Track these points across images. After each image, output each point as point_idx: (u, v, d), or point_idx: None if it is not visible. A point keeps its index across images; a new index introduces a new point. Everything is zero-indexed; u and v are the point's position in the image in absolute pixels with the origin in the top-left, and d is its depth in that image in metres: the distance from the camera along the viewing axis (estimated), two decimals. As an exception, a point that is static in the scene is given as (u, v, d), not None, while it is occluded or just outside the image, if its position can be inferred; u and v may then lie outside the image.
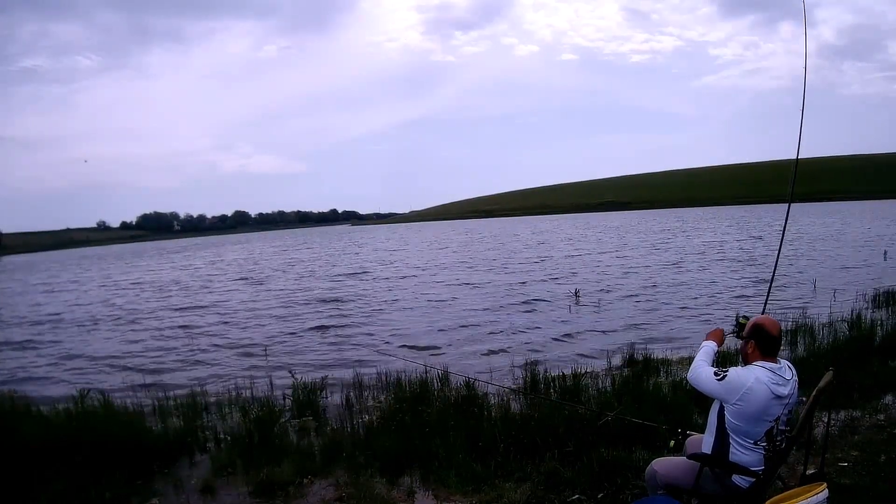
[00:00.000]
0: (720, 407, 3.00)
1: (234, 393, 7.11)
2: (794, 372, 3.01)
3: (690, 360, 7.62)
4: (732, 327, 3.37)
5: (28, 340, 14.20)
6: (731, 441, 2.96)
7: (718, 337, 3.35)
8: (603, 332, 10.82)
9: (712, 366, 3.15)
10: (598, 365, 7.69)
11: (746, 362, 3.04)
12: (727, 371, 2.99)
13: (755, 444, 2.91)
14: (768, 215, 58.13)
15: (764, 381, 2.88)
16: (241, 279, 26.78)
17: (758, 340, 3.02)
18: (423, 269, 25.80)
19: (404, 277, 22.85)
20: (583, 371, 6.78)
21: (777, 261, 4.47)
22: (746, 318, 3.28)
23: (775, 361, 2.99)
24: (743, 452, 2.94)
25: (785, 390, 2.90)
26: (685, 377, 6.53)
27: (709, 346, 3.28)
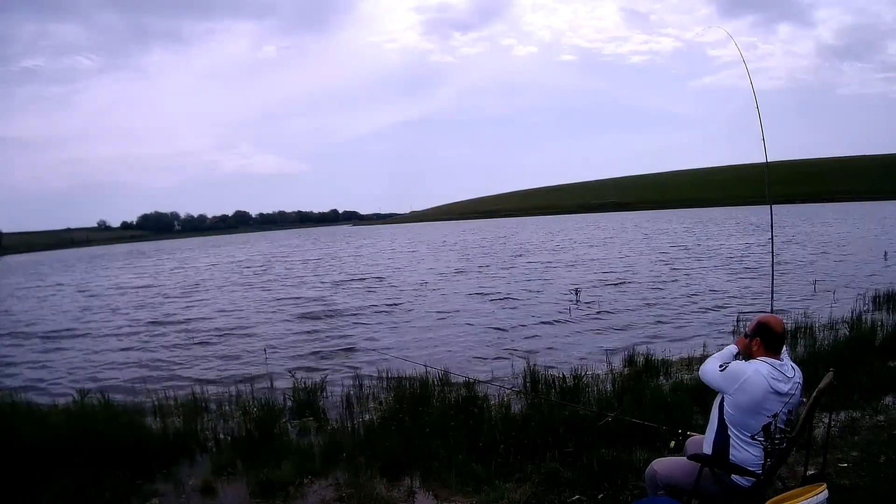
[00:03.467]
0: (721, 399, 3.04)
1: (234, 393, 7.13)
2: (800, 374, 3.03)
3: (691, 360, 7.67)
4: None
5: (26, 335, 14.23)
6: (730, 434, 2.98)
7: (742, 342, 3.29)
8: (603, 332, 10.82)
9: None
10: (599, 366, 7.69)
11: (751, 359, 3.08)
12: (729, 363, 3.09)
13: (752, 437, 2.93)
14: (777, 217, 57.97)
15: (763, 373, 2.92)
16: (246, 281, 26.79)
17: (763, 337, 3.06)
18: (429, 273, 25.80)
19: (412, 282, 22.84)
20: (583, 372, 6.78)
21: (773, 266, 4.59)
22: None
23: (779, 359, 3.01)
24: (742, 448, 2.96)
25: (785, 387, 2.92)
26: (686, 378, 6.56)
27: (728, 348, 3.34)
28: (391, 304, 15.95)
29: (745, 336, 3.19)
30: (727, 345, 3.48)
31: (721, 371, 3.05)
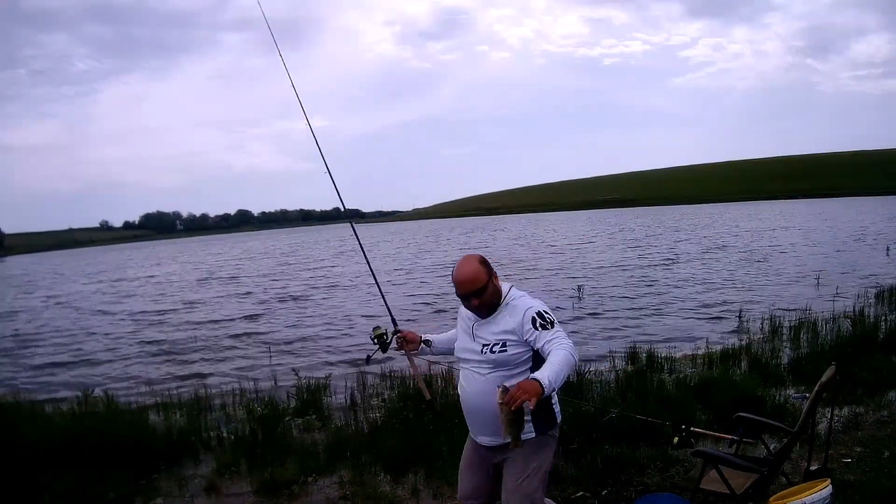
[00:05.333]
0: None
1: (238, 392, 7.13)
2: None
3: (694, 357, 7.67)
4: (374, 343, 3.29)
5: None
6: None
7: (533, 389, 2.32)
8: (606, 328, 10.81)
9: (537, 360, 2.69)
10: (602, 362, 7.68)
11: (500, 296, 2.77)
12: (547, 318, 2.67)
13: None
14: (778, 213, 58.04)
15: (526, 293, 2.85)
16: (244, 278, 26.82)
17: (494, 270, 2.81)
18: (430, 269, 25.81)
19: (413, 280, 22.85)
20: (586, 368, 6.78)
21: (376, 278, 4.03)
22: (384, 329, 3.29)
23: None
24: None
25: None
26: (689, 374, 6.56)
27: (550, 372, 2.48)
28: (392, 304, 15.90)
29: (478, 294, 2.70)
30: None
31: (561, 330, 2.67)
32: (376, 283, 3.94)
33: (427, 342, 3.24)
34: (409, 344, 3.23)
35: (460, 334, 2.94)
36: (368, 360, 3.45)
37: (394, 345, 3.27)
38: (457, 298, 2.84)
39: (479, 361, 2.77)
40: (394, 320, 3.47)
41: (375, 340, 3.30)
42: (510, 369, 2.73)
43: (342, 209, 4.03)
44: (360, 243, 4.20)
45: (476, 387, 2.78)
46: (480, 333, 2.80)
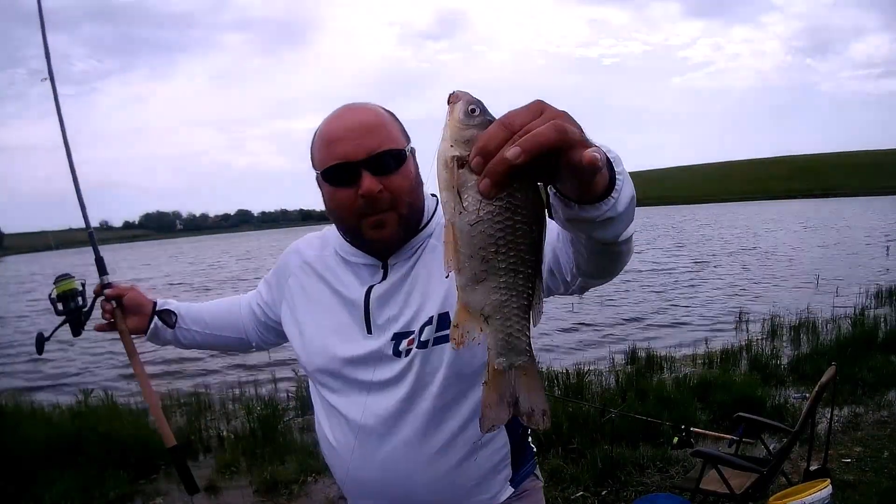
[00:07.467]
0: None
1: (237, 392, 7.13)
2: None
3: (694, 357, 7.66)
4: (56, 310, 1.69)
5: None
6: None
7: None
8: (606, 329, 10.80)
9: None
10: (602, 362, 7.68)
11: (423, 209, 1.34)
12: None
13: None
14: (778, 211, 58.06)
15: None
16: (235, 278, 26.80)
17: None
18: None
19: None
20: (586, 368, 6.78)
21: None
22: (78, 284, 1.70)
23: None
24: None
25: None
26: (689, 374, 6.56)
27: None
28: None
29: (389, 162, 1.19)
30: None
31: None
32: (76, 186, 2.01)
33: (165, 315, 1.61)
34: (131, 317, 1.62)
35: (319, 319, 1.35)
36: (41, 346, 1.66)
37: (98, 315, 1.63)
38: None
39: (388, 380, 1.24)
40: (101, 263, 1.74)
41: (60, 305, 1.66)
42: (459, 383, 1.24)
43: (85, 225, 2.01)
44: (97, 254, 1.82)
45: (381, 443, 1.27)
46: (386, 308, 1.26)
